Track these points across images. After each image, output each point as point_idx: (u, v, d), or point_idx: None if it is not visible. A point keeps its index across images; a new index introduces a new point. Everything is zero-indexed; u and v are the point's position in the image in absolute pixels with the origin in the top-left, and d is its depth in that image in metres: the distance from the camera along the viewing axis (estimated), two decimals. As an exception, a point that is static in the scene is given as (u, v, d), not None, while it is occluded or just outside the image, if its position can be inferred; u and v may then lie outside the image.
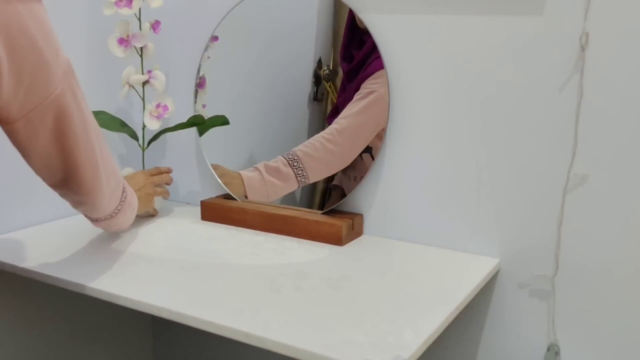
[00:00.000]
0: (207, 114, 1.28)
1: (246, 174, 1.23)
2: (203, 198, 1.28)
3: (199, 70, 1.29)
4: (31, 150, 0.80)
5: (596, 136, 0.95)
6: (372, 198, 1.16)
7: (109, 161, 0.90)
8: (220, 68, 1.28)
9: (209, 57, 1.28)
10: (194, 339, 1.49)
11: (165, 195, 1.27)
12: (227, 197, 1.27)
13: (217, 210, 1.24)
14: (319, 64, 1.18)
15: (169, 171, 1.28)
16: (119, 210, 0.97)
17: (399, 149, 1.12)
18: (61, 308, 1.29)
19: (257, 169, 1.22)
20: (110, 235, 1.13)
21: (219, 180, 1.27)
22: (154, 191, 1.23)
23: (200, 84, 1.30)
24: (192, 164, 1.37)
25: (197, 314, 0.81)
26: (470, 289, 0.92)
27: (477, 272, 0.99)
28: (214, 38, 1.26)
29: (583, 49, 0.94)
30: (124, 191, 0.96)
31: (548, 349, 1.04)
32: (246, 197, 1.23)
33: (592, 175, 0.96)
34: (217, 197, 1.29)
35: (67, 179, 0.84)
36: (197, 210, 1.29)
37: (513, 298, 1.06)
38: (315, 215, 1.15)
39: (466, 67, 1.03)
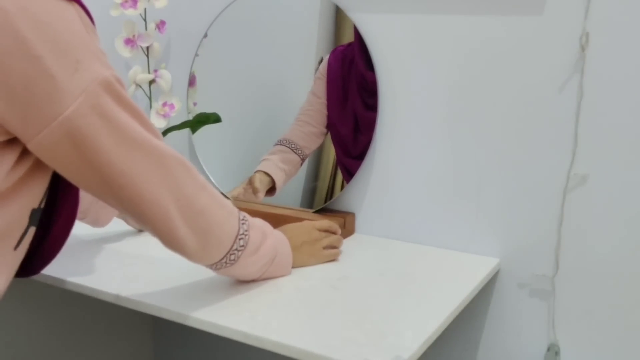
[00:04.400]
0: (198, 112, 1.29)
1: (278, 175, 1.21)
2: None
3: (191, 68, 1.30)
4: (68, 178, 0.71)
5: (596, 136, 0.95)
6: (364, 197, 1.16)
7: (190, 199, 0.75)
8: (211, 66, 1.28)
9: (197, 55, 1.28)
10: (194, 339, 1.49)
11: (334, 258, 1.03)
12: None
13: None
14: (321, 63, 1.17)
15: (337, 232, 1.04)
16: (232, 260, 0.82)
17: (390, 148, 1.12)
18: (61, 308, 1.29)
19: (282, 169, 1.21)
20: (110, 235, 1.13)
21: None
22: (322, 255, 1.00)
23: (190, 82, 1.30)
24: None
25: (197, 314, 0.81)
26: (470, 289, 0.92)
27: (476, 272, 0.99)
28: (204, 36, 1.27)
29: (583, 49, 0.94)
30: (238, 238, 0.81)
31: (548, 349, 1.04)
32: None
33: (592, 175, 0.96)
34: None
35: (128, 213, 0.74)
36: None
37: (513, 298, 1.06)
38: (307, 214, 1.16)
39: (465, 67, 1.03)
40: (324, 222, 1.03)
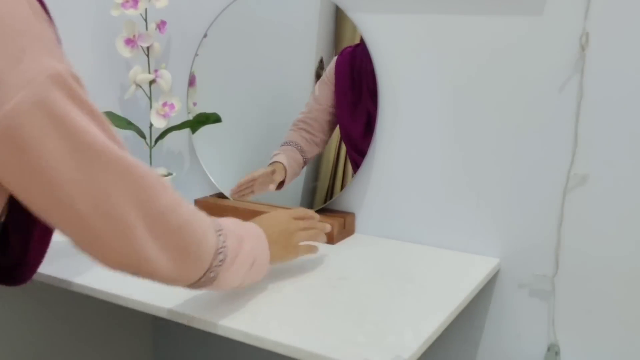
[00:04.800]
0: (197, 112, 1.29)
1: (290, 170, 1.21)
2: (196, 197, 1.28)
3: (191, 68, 1.30)
4: (7, 185, 0.60)
5: (596, 136, 0.95)
6: (364, 197, 1.17)
7: (164, 216, 0.65)
8: (211, 66, 1.28)
9: (197, 55, 1.29)
10: (194, 339, 1.49)
11: (312, 252, 0.97)
12: (220, 196, 1.28)
13: (211, 209, 1.23)
14: (321, 63, 1.18)
15: (315, 218, 0.97)
16: (212, 278, 0.73)
17: (390, 148, 1.12)
18: (61, 308, 1.29)
19: (292, 166, 1.21)
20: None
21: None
22: (299, 249, 0.93)
23: (190, 81, 1.31)
24: (185, 162, 1.38)
25: (197, 313, 0.81)
26: (470, 289, 0.92)
27: (477, 272, 0.99)
28: (203, 35, 1.27)
29: (583, 48, 0.94)
30: (217, 253, 0.73)
31: (548, 349, 1.04)
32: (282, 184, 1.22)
33: (592, 175, 0.96)
34: (210, 196, 1.29)
35: (77, 235, 0.63)
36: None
37: (513, 298, 1.06)
38: None
39: (465, 67, 1.03)
40: (299, 210, 0.96)
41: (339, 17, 1.14)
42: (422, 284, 0.94)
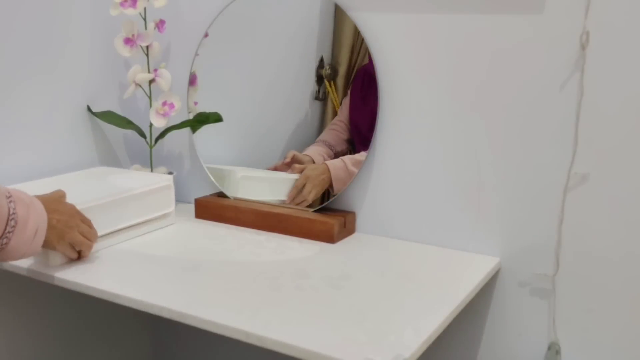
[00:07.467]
0: (198, 111, 1.29)
1: (332, 163, 1.19)
2: (196, 196, 1.28)
3: (191, 67, 1.30)
4: None
5: (597, 135, 0.95)
6: (364, 196, 1.16)
7: None
8: (212, 65, 1.28)
9: (198, 54, 1.28)
10: (194, 339, 1.49)
11: (70, 256, 0.96)
12: (221, 195, 1.27)
13: (211, 209, 1.24)
14: (321, 63, 1.18)
15: (93, 238, 0.97)
16: (4, 245, 0.77)
17: (390, 147, 1.12)
18: (61, 308, 1.29)
19: (342, 160, 1.19)
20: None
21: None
22: (65, 247, 0.93)
23: (191, 81, 1.31)
24: (185, 161, 1.38)
25: (197, 313, 0.81)
26: (470, 288, 0.92)
27: (477, 271, 0.99)
28: (204, 35, 1.27)
29: (583, 47, 0.94)
30: (10, 219, 0.76)
31: (549, 348, 1.04)
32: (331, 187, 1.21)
33: (593, 174, 0.96)
34: (210, 195, 1.29)
35: None
36: (190, 207, 1.29)
37: (514, 297, 1.06)
38: (307, 213, 1.16)
39: (465, 66, 1.03)
40: (89, 222, 0.96)
41: (339, 16, 1.14)
42: (422, 283, 0.94)
